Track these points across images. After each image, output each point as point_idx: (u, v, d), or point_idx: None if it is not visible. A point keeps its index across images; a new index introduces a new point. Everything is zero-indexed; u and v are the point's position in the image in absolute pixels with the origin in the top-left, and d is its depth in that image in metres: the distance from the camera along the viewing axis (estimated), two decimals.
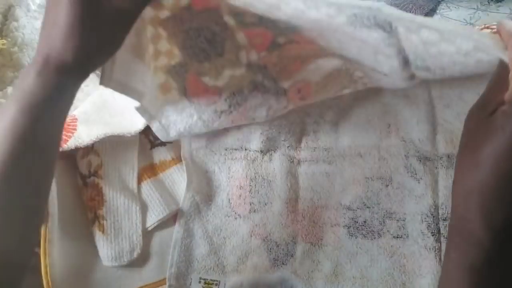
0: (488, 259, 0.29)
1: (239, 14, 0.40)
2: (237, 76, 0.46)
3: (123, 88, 0.42)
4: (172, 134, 0.49)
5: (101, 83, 0.39)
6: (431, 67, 0.37)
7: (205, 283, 0.48)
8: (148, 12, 0.39)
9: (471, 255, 0.29)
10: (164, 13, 0.40)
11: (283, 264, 0.48)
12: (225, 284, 0.48)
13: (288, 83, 0.47)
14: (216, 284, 0.48)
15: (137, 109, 0.46)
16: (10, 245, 0.33)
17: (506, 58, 0.27)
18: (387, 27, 0.34)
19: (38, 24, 0.58)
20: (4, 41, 0.56)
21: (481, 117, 0.29)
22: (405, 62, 0.37)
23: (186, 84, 0.46)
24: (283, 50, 0.44)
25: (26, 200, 0.34)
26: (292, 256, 0.48)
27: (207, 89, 0.46)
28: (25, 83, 0.32)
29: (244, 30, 0.42)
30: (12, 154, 0.31)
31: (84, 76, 0.35)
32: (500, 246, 0.29)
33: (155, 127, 0.48)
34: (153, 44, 0.42)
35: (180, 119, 0.47)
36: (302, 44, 0.43)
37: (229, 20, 0.41)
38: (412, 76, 0.40)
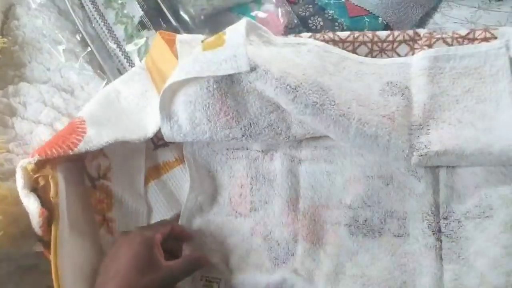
0: None
1: None
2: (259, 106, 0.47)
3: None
4: (178, 140, 0.49)
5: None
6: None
7: (206, 280, 0.49)
8: None
9: None
10: None
11: (283, 263, 0.48)
12: (226, 282, 0.48)
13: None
14: (217, 282, 0.48)
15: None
16: None
17: None
18: (406, 92, 0.46)
19: (38, 22, 0.58)
20: (5, 40, 0.56)
21: None
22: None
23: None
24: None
25: None
26: (292, 255, 0.48)
27: (228, 112, 0.47)
28: None
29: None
30: None
31: None
32: None
33: (164, 128, 0.48)
34: None
35: (192, 132, 0.48)
36: None
37: None
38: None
